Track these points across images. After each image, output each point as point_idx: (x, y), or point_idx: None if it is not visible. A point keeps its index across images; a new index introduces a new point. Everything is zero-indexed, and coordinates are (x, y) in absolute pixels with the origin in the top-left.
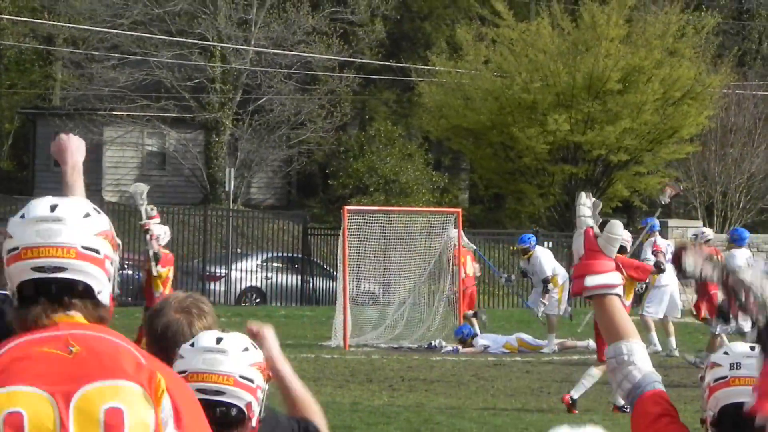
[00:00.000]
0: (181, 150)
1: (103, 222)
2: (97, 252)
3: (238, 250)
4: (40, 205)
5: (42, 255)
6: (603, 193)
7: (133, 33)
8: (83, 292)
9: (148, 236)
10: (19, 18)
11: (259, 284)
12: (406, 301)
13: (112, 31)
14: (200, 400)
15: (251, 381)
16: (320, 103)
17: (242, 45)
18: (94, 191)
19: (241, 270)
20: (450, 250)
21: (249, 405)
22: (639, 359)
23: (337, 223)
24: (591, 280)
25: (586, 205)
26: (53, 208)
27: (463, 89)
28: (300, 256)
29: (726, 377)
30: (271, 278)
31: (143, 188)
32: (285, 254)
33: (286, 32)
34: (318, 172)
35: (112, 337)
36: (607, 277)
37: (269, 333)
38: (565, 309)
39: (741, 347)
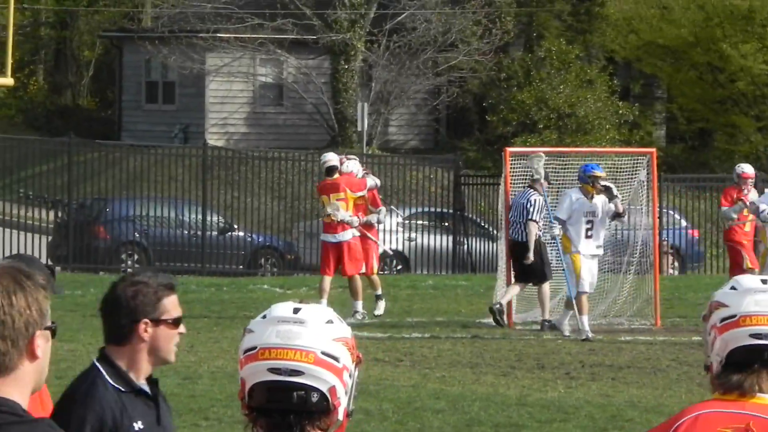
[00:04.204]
0: (302, 81)
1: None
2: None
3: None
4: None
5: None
6: None
7: None
8: None
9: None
10: None
11: (400, 247)
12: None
13: None
14: (272, 382)
15: (336, 359)
16: (475, 19)
17: None
18: (195, 133)
19: (379, 230)
20: (642, 200)
21: (333, 389)
22: None
23: (497, 169)
24: None
25: None
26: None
27: None
28: (451, 211)
29: (735, 316)
30: (416, 240)
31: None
32: (433, 209)
33: None
34: (473, 105)
35: None
36: None
37: None
38: None
39: (750, 281)
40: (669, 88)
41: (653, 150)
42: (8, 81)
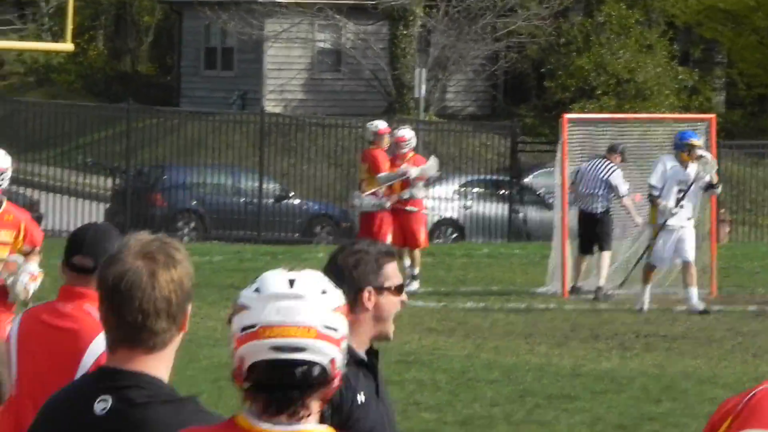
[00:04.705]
0: (360, 47)
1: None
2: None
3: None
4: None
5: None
6: None
7: None
8: None
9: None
10: None
11: (455, 215)
12: (642, 234)
13: None
14: (275, 360)
15: (335, 330)
16: None
17: None
18: (253, 99)
19: (434, 197)
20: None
21: (333, 361)
22: None
23: (554, 136)
24: None
25: None
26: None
27: None
28: (508, 179)
29: None
30: (471, 207)
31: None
32: (489, 177)
33: None
34: (531, 71)
35: None
36: None
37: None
38: None
39: None
40: (729, 53)
41: (713, 116)
42: (68, 46)
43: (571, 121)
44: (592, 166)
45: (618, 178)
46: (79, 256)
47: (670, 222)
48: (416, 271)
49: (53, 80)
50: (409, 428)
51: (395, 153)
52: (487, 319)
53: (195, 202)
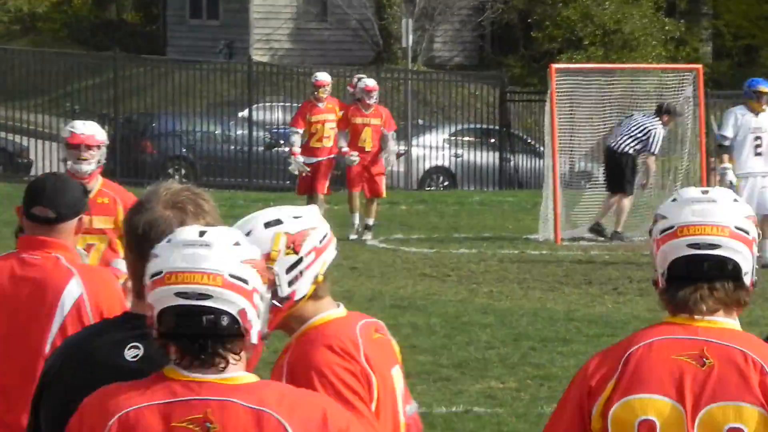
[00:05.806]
0: None
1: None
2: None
3: (420, 122)
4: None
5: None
6: None
7: None
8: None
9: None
10: None
11: (446, 163)
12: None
13: None
14: (180, 307)
15: (245, 282)
16: None
17: None
18: (240, 49)
19: (424, 146)
20: (687, 116)
21: (243, 312)
22: None
23: (543, 86)
24: None
25: None
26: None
27: None
28: (497, 127)
29: (673, 227)
30: (462, 156)
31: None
32: (478, 126)
33: None
34: (518, 21)
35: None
36: None
37: None
38: None
39: (692, 192)
40: (715, 4)
41: (699, 66)
42: None
43: (559, 71)
44: (641, 116)
45: (659, 135)
46: (40, 206)
47: (752, 169)
48: (371, 221)
49: (38, 29)
50: (405, 371)
51: (364, 101)
52: (480, 264)
53: (185, 150)
